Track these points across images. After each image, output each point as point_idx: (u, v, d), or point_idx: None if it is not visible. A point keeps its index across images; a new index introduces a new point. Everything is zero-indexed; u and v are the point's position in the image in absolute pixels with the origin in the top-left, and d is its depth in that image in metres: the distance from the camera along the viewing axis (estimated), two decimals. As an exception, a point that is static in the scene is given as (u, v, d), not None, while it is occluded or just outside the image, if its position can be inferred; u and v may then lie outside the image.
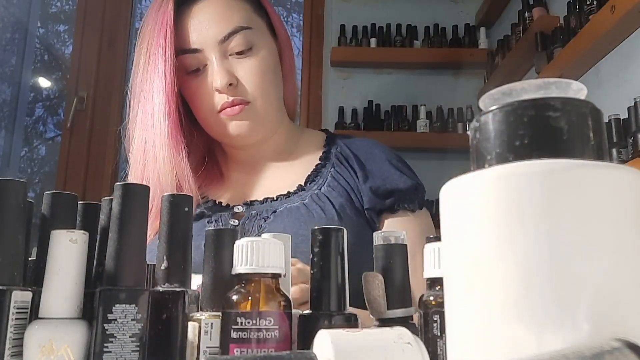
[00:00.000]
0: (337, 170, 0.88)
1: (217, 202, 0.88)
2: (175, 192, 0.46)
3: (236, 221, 0.84)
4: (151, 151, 0.82)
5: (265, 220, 0.82)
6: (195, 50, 0.84)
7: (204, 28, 0.84)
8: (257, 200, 0.86)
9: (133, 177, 0.85)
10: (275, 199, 0.86)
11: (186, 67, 0.85)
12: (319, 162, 0.90)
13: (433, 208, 0.97)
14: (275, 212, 0.83)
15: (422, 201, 0.87)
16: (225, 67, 0.83)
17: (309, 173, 0.89)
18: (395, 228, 0.84)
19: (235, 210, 0.85)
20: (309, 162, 0.91)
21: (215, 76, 0.83)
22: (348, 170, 0.88)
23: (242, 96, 0.84)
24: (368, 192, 0.84)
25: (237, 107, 0.83)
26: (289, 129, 0.96)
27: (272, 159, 0.93)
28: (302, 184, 0.87)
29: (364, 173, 0.86)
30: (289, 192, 0.86)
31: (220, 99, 0.84)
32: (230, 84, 0.82)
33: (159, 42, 0.83)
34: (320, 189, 0.85)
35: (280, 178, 0.90)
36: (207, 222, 0.84)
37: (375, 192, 0.84)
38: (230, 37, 0.84)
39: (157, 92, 0.82)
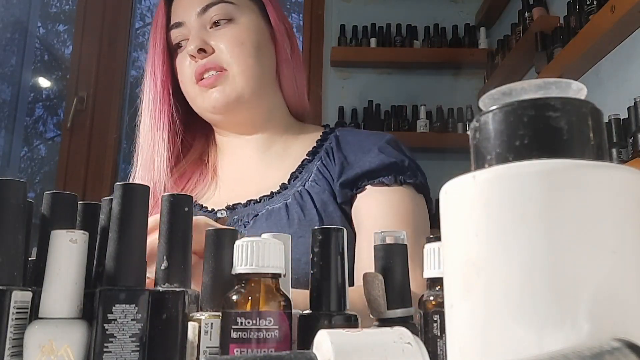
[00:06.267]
0: (324, 163, 0.85)
1: (202, 206, 0.86)
2: (175, 192, 0.46)
3: None
4: (143, 131, 0.88)
5: (245, 227, 0.79)
6: (178, 24, 0.87)
7: (188, 2, 0.87)
8: (240, 204, 0.84)
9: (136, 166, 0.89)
10: (258, 200, 0.83)
11: (172, 43, 0.89)
12: (306, 157, 0.87)
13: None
14: (257, 215, 0.80)
15: (408, 177, 0.80)
16: (201, 36, 0.85)
17: (294, 169, 0.86)
18: (361, 205, 0.79)
19: (219, 215, 0.83)
20: (298, 158, 0.88)
21: (189, 43, 0.85)
22: (332, 162, 0.85)
23: (214, 60, 0.84)
24: (338, 187, 0.81)
25: (212, 77, 0.84)
26: (285, 123, 0.93)
27: (263, 154, 0.90)
28: (286, 181, 0.84)
29: (341, 166, 0.82)
30: (272, 193, 0.83)
31: (195, 66, 0.85)
32: (201, 49, 0.84)
33: (155, 25, 0.89)
34: (304, 185, 0.82)
35: (268, 176, 0.87)
36: None
37: (344, 185, 0.80)
38: (208, 8, 0.86)
39: (150, 74, 0.88)
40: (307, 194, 0.81)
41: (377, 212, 0.79)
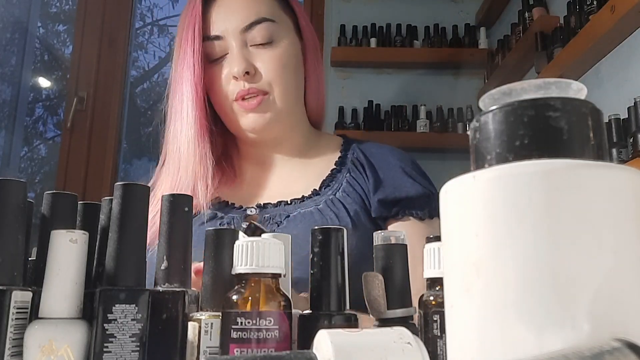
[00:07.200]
0: (353, 176, 0.87)
1: (229, 203, 0.87)
2: (176, 192, 0.46)
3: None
4: (179, 139, 0.84)
5: (278, 225, 0.81)
6: (217, 37, 0.85)
7: (228, 16, 0.85)
8: (270, 203, 0.85)
9: (166, 168, 0.86)
10: (289, 202, 0.85)
11: (208, 55, 0.86)
12: (335, 167, 0.90)
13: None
14: (288, 216, 0.82)
15: (435, 210, 0.84)
16: (244, 56, 0.84)
17: (325, 178, 0.88)
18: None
19: (249, 212, 0.85)
20: (324, 166, 0.90)
21: (234, 63, 0.84)
22: (363, 176, 0.87)
23: (259, 85, 0.84)
24: (376, 202, 0.83)
25: (254, 100, 0.83)
26: (307, 131, 0.95)
27: (287, 160, 0.92)
28: (317, 188, 0.86)
29: (375, 182, 0.85)
30: (303, 197, 0.85)
31: (237, 87, 0.84)
32: (247, 72, 0.83)
33: (189, 34, 0.85)
34: (335, 194, 0.85)
35: (294, 181, 0.89)
36: (220, 224, 0.83)
37: (382, 202, 0.83)
38: (252, 27, 0.85)
39: (186, 82, 0.84)
40: (340, 203, 0.83)
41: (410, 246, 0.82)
